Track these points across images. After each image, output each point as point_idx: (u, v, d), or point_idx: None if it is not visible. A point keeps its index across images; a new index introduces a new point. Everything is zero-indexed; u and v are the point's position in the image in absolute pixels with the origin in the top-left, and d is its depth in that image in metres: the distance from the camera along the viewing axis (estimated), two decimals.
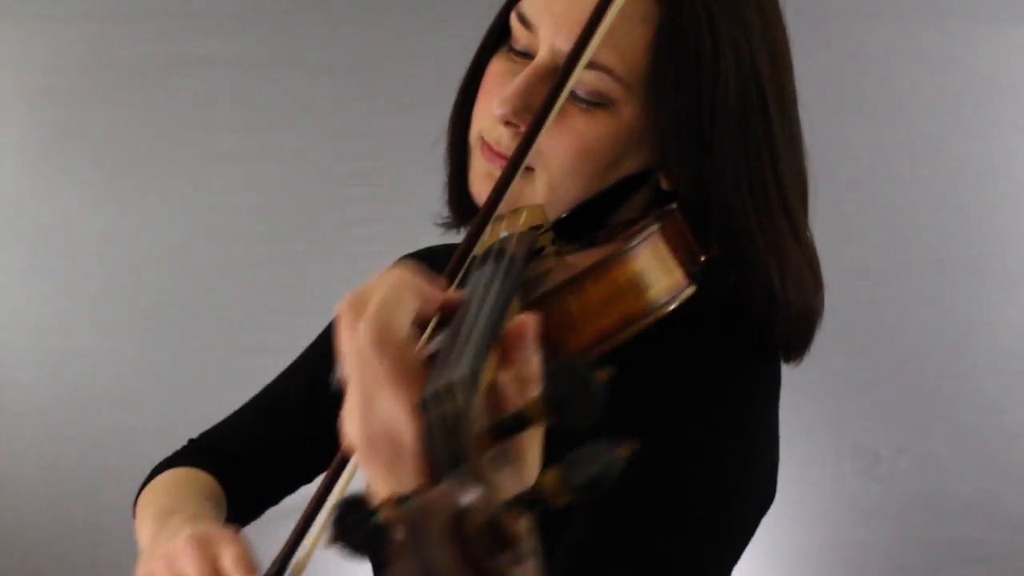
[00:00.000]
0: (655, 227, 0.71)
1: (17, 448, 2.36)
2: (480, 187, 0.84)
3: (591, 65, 0.76)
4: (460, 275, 0.74)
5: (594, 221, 0.82)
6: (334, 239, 2.31)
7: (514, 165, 0.74)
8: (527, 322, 0.54)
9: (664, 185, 0.82)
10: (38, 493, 2.37)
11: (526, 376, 0.53)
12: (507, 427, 0.46)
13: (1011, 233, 2.33)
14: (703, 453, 0.77)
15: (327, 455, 0.75)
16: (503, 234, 0.78)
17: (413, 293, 0.57)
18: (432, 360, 0.53)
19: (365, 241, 2.30)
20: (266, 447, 1.05)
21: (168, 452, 1.09)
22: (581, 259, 0.74)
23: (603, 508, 0.75)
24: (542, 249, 0.79)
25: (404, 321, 0.55)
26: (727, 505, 0.77)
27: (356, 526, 0.41)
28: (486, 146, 0.82)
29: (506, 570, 0.39)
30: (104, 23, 2.27)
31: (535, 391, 0.52)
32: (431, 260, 1.06)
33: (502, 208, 0.78)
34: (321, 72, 2.29)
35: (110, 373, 2.32)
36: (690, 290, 0.70)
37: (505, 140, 0.81)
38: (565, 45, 0.77)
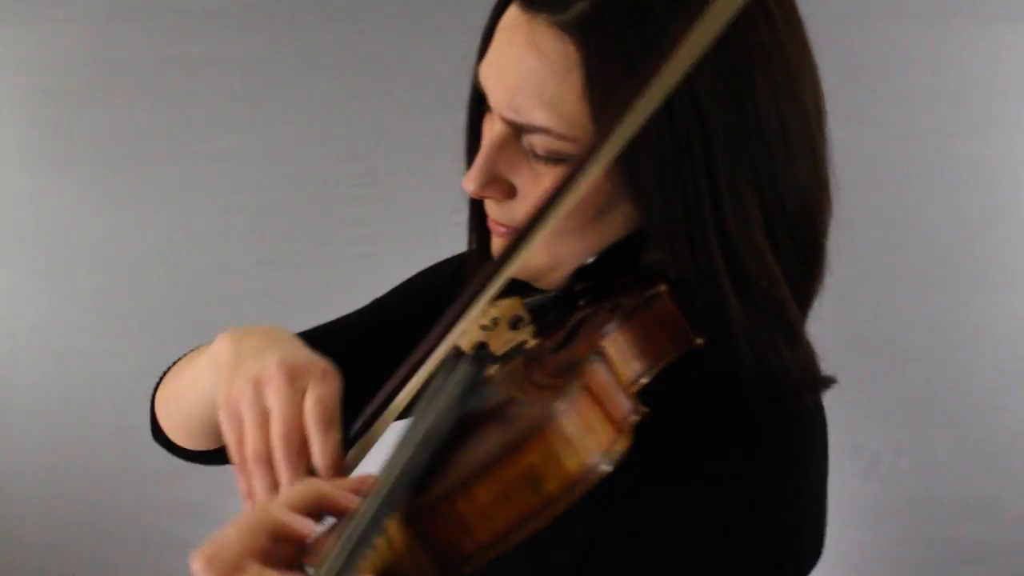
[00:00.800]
0: (573, 385, 0.62)
1: (17, 448, 2.36)
2: (495, 249, 0.83)
3: (529, 128, 0.73)
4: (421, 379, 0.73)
5: (610, 276, 0.79)
6: (334, 239, 2.31)
7: (494, 268, 0.70)
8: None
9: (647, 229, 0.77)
10: (38, 493, 2.37)
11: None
12: None
13: (1011, 233, 2.33)
14: (722, 536, 0.71)
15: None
16: (482, 326, 0.77)
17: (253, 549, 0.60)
18: None
19: (365, 241, 2.30)
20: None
21: (167, 452, 1.09)
22: (531, 391, 0.68)
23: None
24: (521, 345, 0.76)
25: (234, 559, 0.59)
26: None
27: None
28: (490, 218, 0.82)
29: None
30: (104, 23, 2.27)
31: None
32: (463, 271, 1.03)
33: (518, 276, 0.76)
34: (321, 72, 2.29)
35: (110, 373, 2.33)
36: (621, 443, 0.62)
37: (494, 210, 0.80)
38: (504, 112, 0.74)
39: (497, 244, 0.83)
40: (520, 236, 0.68)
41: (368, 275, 2.42)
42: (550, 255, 0.78)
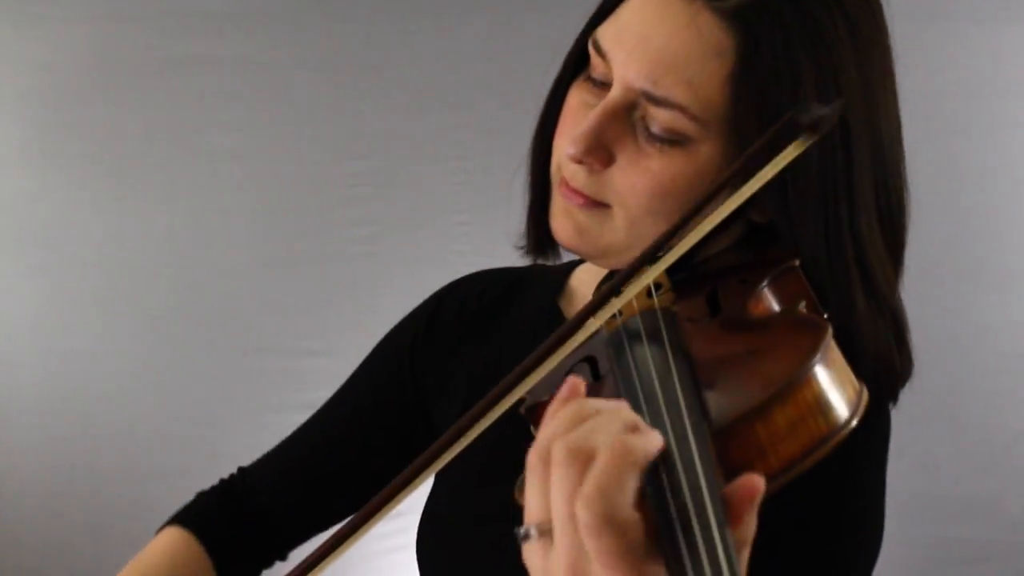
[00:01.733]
0: (828, 329, 0.64)
1: (17, 448, 2.36)
2: (559, 223, 0.82)
3: (663, 102, 0.73)
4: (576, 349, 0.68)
5: (687, 259, 0.79)
6: (334, 239, 2.31)
7: (630, 273, 0.67)
8: (754, 485, 0.51)
9: (755, 217, 0.80)
10: (38, 493, 2.37)
11: (745, 537, 0.51)
12: None
13: (1011, 233, 2.33)
14: (839, 514, 0.77)
15: (359, 499, 0.71)
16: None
17: (638, 466, 0.51)
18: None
19: (365, 241, 2.30)
20: (297, 502, 1.03)
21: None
22: (738, 338, 0.71)
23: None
24: (676, 316, 0.75)
25: (631, 499, 0.49)
26: (859, 562, 0.79)
27: None
28: (564, 182, 0.80)
29: None
30: (104, 23, 2.27)
31: (748, 550, 0.52)
32: (480, 289, 1.03)
33: (584, 251, 0.78)
34: (321, 72, 2.29)
35: (110, 373, 2.32)
36: (867, 396, 0.64)
37: (580, 177, 0.79)
38: (638, 82, 0.74)
39: (564, 216, 0.81)
40: (681, 224, 0.68)
41: (368, 275, 2.43)
42: (629, 233, 0.78)
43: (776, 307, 0.73)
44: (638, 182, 0.75)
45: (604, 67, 0.77)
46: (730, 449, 0.58)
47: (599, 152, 0.77)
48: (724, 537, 0.50)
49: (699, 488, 0.52)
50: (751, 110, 0.73)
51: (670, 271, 0.76)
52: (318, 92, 2.30)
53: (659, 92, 0.73)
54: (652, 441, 0.52)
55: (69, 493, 2.36)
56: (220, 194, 2.31)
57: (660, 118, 0.74)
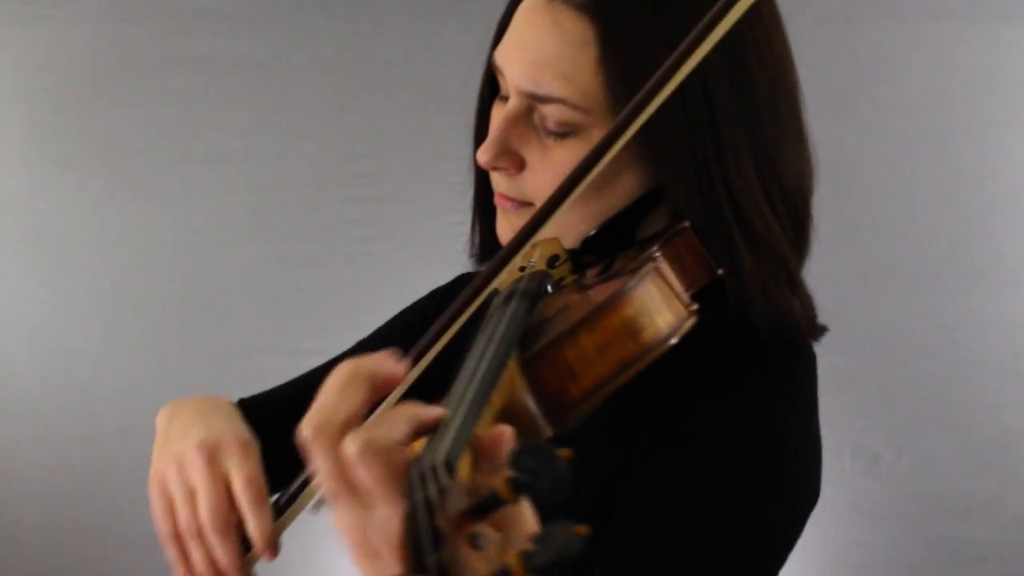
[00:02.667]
0: (651, 265, 0.72)
1: (17, 448, 2.36)
2: (500, 227, 0.90)
3: (546, 99, 0.80)
4: (468, 316, 0.76)
5: (618, 240, 0.85)
6: (334, 239, 2.31)
7: (524, 235, 0.74)
8: (500, 434, 0.55)
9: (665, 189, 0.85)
10: (38, 493, 2.37)
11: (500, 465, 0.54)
12: (481, 508, 0.48)
13: (1011, 233, 2.33)
14: (730, 463, 0.78)
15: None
16: (519, 268, 0.82)
17: (355, 391, 0.58)
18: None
19: (365, 241, 2.30)
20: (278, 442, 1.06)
21: None
22: (592, 291, 0.76)
23: (646, 514, 0.77)
24: (561, 281, 0.82)
25: (392, 432, 0.55)
26: (760, 512, 0.78)
27: None
28: (497, 193, 0.88)
29: None
30: (104, 23, 2.27)
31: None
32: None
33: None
34: (321, 72, 2.29)
35: (110, 373, 2.33)
36: (691, 320, 0.71)
37: (503, 183, 0.86)
38: (523, 85, 0.81)
39: (502, 220, 0.89)
40: (550, 205, 0.74)
41: (368, 275, 2.43)
42: (556, 224, 0.82)
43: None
44: (547, 176, 0.81)
45: (504, 83, 0.85)
46: (543, 373, 0.65)
47: (508, 157, 0.84)
48: (463, 429, 0.55)
49: (453, 422, 0.56)
50: (622, 87, 0.78)
51: (589, 247, 0.85)
52: (318, 92, 2.30)
53: (541, 91, 0.80)
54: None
55: (69, 493, 2.36)
56: (220, 194, 2.31)
57: (550, 114, 0.81)
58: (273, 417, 1.05)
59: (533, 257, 0.83)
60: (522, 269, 0.83)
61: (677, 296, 0.72)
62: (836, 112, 2.21)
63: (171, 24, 2.27)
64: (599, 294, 0.72)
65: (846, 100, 2.20)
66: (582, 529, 0.44)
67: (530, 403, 0.65)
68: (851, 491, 2.33)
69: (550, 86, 0.79)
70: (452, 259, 2.43)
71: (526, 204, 0.85)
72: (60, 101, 2.29)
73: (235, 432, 0.79)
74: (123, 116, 2.29)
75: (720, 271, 0.79)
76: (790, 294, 0.84)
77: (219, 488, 0.75)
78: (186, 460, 0.76)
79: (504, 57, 0.84)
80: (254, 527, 0.74)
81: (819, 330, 0.87)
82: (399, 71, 2.28)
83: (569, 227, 0.85)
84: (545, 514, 0.51)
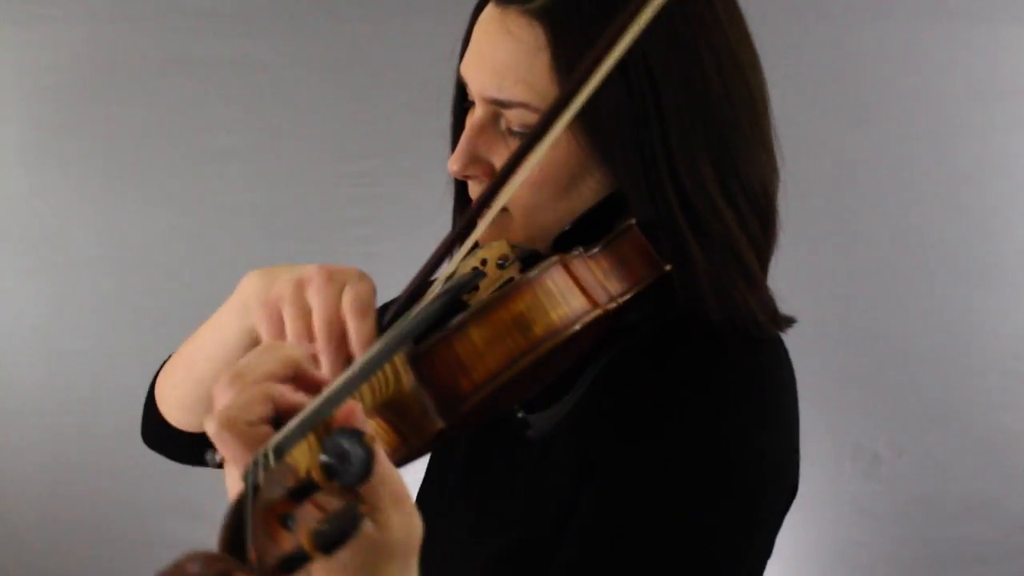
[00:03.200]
0: (553, 259, 0.73)
1: (17, 448, 2.36)
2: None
3: (508, 104, 0.82)
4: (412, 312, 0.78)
5: (583, 241, 0.85)
6: (334, 239, 2.31)
7: (480, 205, 0.76)
8: (349, 409, 0.58)
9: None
10: (38, 493, 2.37)
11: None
12: (298, 491, 0.51)
13: (1011, 233, 2.33)
14: (698, 460, 0.77)
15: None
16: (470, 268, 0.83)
17: (258, 395, 0.61)
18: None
19: (365, 241, 2.30)
20: None
21: (160, 453, 1.09)
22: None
23: (606, 514, 0.78)
24: (511, 279, 0.82)
25: (249, 417, 0.59)
26: (735, 505, 0.78)
27: None
28: (472, 199, 0.90)
29: None
30: (104, 23, 2.27)
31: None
32: None
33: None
34: (321, 72, 2.29)
35: (110, 373, 2.33)
36: (596, 313, 0.72)
37: (476, 190, 0.88)
38: (486, 92, 0.83)
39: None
40: (496, 184, 0.74)
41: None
42: (527, 228, 0.85)
43: (599, 263, 0.79)
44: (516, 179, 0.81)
45: (470, 93, 0.86)
46: (434, 367, 0.67)
47: (478, 164, 0.85)
48: (305, 419, 0.58)
49: (303, 411, 0.59)
50: None
51: (557, 249, 0.84)
52: (318, 92, 2.30)
53: (503, 96, 0.82)
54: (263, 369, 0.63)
55: (69, 493, 2.36)
56: (220, 194, 2.31)
57: (515, 118, 0.82)
58: None
59: (484, 257, 0.83)
60: (474, 271, 0.84)
61: (584, 290, 0.73)
62: (836, 112, 2.21)
63: (171, 24, 2.27)
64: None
65: (846, 100, 2.21)
66: (366, 507, 0.47)
67: (422, 395, 0.66)
68: (851, 491, 2.33)
69: (511, 91, 0.81)
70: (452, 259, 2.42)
71: (501, 210, 0.85)
72: (60, 101, 2.29)
73: (353, 269, 0.82)
74: (123, 116, 2.29)
75: (667, 267, 0.80)
76: (747, 289, 0.83)
77: (335, 304, 0.76)
78: (306, 278, 0.78)
79: (467, 68, 0.86)
80: (355, 336, 0.75)
81: (784, 321, 0.87)
82: (399, 71, 2.28)
83: (542, 229, 0.85)
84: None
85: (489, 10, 0.85)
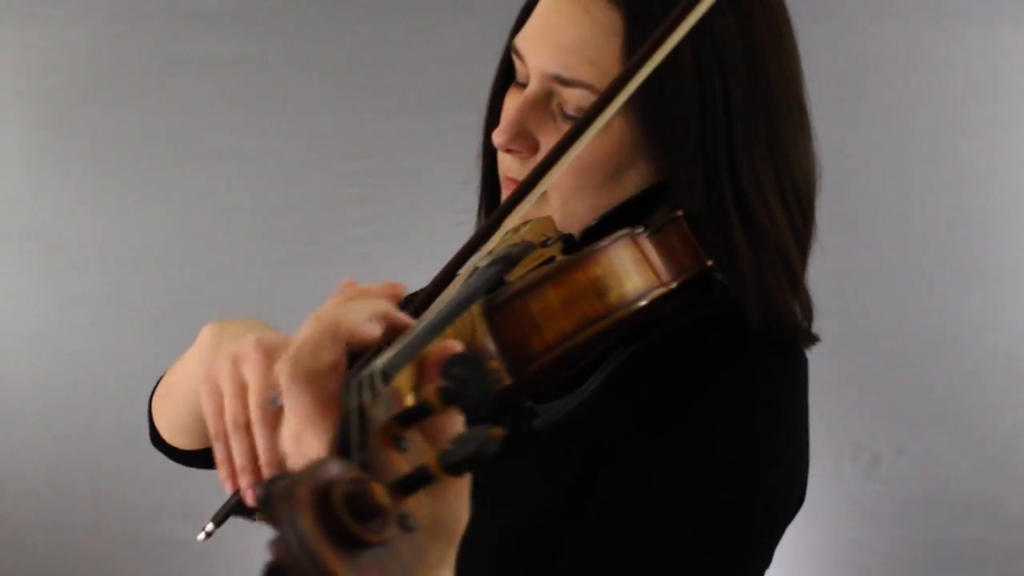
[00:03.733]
0: (626, 231, 0.74)
1: (17, 448, 2.36)
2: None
3: (572, 83, 0.81)
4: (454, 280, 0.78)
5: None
6: (334, 239, 2.31)
7: (526, 187, 0.76)
8: (449, 346, 0.58)
9: (663, 178, 0.85)
10: (38, 493, 2.37)
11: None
12: (410, 415, 0.49)
13: (1011, 233, 2.33)
14: (703, 459, 0.78)
15: None
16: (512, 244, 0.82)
17: (337, 338, 0.60)
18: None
19: (365, 241, 2.30)
20: None
21: (166, 457, 1.10)
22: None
23: (621, 502, 0.78)
24: (550, 258, 0.83)
25: (323, 362, 0.59)
26: (745, 506, 0.78)
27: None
28: (506, 178, 0.88)
29: (372, 536, 0.42)
30: (104, 23, 2.27)
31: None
32: None
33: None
34: (321, 72, 2.29)
35: (110, 373, 2.32)
36: (662, 290, 0.73)
37: (515, 167, 0.87)
38: (550, 67, 0.82)
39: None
40: (545, 164, 0.75)
41: (368, 275, 2.42)
42: (564, 212, 0.85)
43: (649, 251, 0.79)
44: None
45: (523, 68, 0.86)
46: (507, 322, 0.67)
47: (524, 139, 0.85)
48: (407, 348, 0.57)
49: (399, 343, 0.58)
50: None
51: (589, 238, 0.85)
52: (318, 92, 2.30)
53: (568, 74, 0.81)
54: (365, 327, 0.62)
55: (69, 493, 2.36)
56: (220, 194, 2.31)
57: (572, 98, 0.82)
58: None
59: (525, 234, 0.84)
60: (514, 247, 0.84)
61: (651, 267, 0.74)
62: (837, 113, 2.20)
63: (171, 24, 2.27)
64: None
65: (847, 101, 2.20)
66: (497, 432, 0.45)
67: (491, 349, 0.67)
68: (851, 491, 2.33)
69: (578, 70, 0.81)
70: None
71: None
72: (60, 101, 2.29)
73: (291, 337, 0.81)
74: (123, 116, 2.29)
75: (709, 263, 0.79)
76: (790, 292, 0.84)
77: (266, 382, 0.75)
78: (242, 355, 0.76)
79: (528, 42, 0.85)
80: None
81: (811, 338, 0.87)
82: (399, 71, 2.28)
83: (576, 215, 0.85)
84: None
85: None
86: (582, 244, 0.86)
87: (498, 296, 0.69)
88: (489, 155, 0.94)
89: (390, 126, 2.29)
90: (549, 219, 0.85)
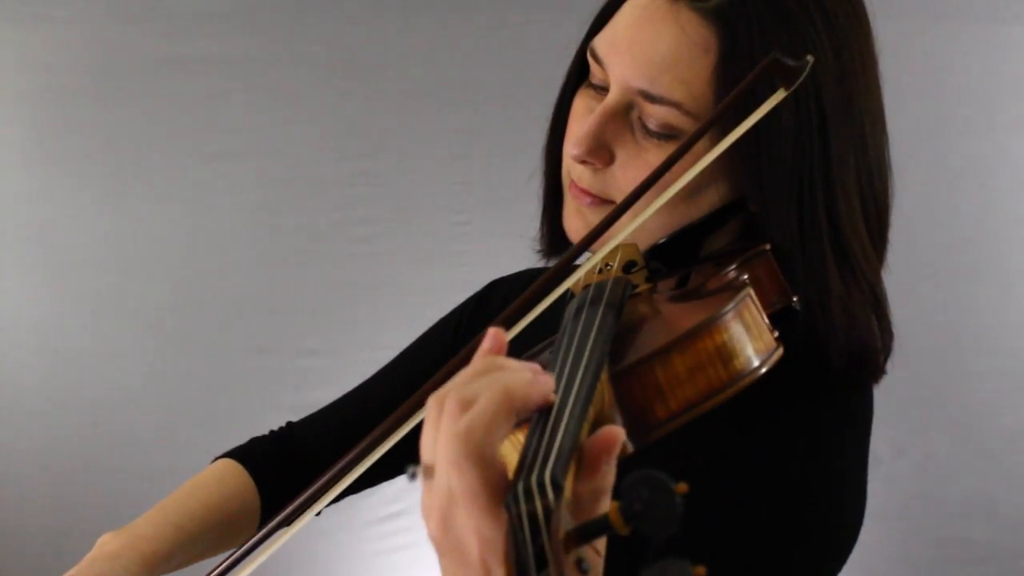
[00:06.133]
0: (744, 292, 0.71)
1: (17, 448, 2.36)
2: (571, 223, 0.87)
3: (659, 100, 0.78)
4: (542, 308, 0.76)
5: (686, 252, 0.84)
6: (334, 239, 2.31)
7: (610, 220, 0.75)
8: (613, 437, 0.54)
9: (753, 207, 0.83)
10: (38, 493, 2.37)
11: (602, 486, 0.54)
12: (589, 531, 0.47)
13: (1010, 233, 2.33)
14: (774, 495, 0.77)
15: (395, 466, 0.73)
16: (598, 269, 0.81)
17: (513, 411, 0.55)
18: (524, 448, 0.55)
19: (365, 241, 2.30)
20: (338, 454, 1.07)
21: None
22: (675, 307, 0.77)
23: (693, 534, 0.76)
24: (635, 287, 0.82)
25: (497, 440, 0.53)
26: (798, 547, 0.78)
27: None
28: (573, 184, 0.85)
29: None
30: (104, 23, 2.27)
31: (608, 498, 0.53)
32: (527, 280, 1.09)
33: (595, 245, 0.80)
34: (321, 71, 2.29)
35: (110, 373, 2.32)
36: (779, 352, 0.70)
37: (586, 177, 0.83)
38: (635, 82, 0.79)
39: (575, 215, 0.86)
40: (633, 197, 0.74)
41: (368, 275, 2.43)
42: (635, 229, 0.82)
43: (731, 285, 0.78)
44: (638, 177, 0.78)
45: (602, 73, 0.82)
46: (632, 389, 0.64)
47: (600, 151, 0.81)
48: (567, 442, 0.53)
49: (558, 431, 0.55)
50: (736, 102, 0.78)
51: (656, 255, 0.83)
52: (318, 92, 2.30)
53: (656, 90, 0.78)
54: (536, 391, 0.56)
55: (69, 493, 2.36)
56: (220, 194, 2.31)
57: (656, 115, 0.78)
58: (331, 436, 1.07)
59: (613, 260, 0.82)
60: (600, 272, 0.82)
61: (767, 324, 0.72)
62: None
63: (171, 24, 2.27)
64: (686, 313, 0.71)
65: None
66: (701, 571, 0.43)
67: (616, 418, 0.64)
68: None
69: (667, 87, 0.78)
70: (452, 258, 2.44)
71: (607, 202, 0.83)
72: (60, 101, 2.29)
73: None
74: (123, 116, 2.29)
75: (795, 299, 0.78)
76: (876, 324, 0.83)
77: None
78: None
79: (612, 49, 0.81)
80: None
81: (882, 373, 0.87)
82: (399, 71, 2.28)
83: (646, 233, 0.82)
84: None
85: None
86: (653, 263, 0.84)
87: (621, 361, 0.66)
88: (553, 157, 0.91)
89: (390, 126, 2.29)
90: (634, 246, 0.83)
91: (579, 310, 0.73)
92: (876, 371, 0.85)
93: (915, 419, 2.34)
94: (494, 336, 0.61)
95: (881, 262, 0.88)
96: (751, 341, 0.68)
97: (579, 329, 0.70)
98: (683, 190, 0.78)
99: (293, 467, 1.07)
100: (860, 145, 0.81)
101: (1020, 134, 2.30)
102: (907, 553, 2.38)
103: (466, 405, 0.54)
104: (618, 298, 0.76)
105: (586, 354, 0.65)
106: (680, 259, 0.84)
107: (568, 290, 0.78)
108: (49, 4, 2.25)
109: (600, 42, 0.82)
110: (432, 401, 0.56)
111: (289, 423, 1.13)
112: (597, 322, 0.70)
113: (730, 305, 0.68)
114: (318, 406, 1.10)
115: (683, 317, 0.72)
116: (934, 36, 2.23)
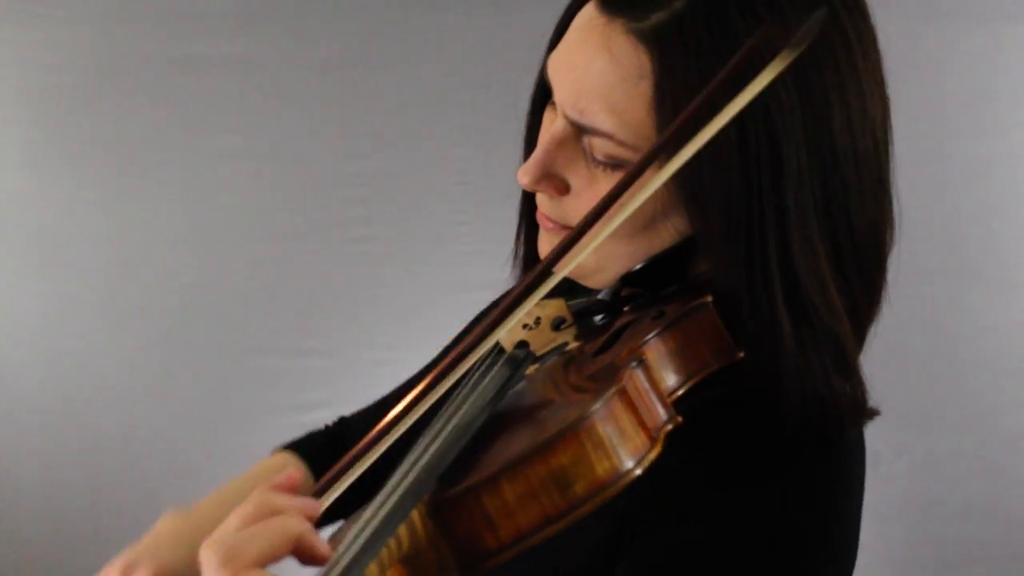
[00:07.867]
0: (614, 388, 0.62)
1: (17, 448, 2.36)
2: (540, 244, 0.83)
3: (591, 131, 0.72)
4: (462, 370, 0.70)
5: (661, 280, 0.79)
6: (333, 239, 2.31)
7: (559, 254, 0.68)
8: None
9: (700, 247, 0.76)
10: (38, 493, 2.37)
11: None
12: None
13: (1011, 233, 2.33)
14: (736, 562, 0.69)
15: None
16: (524, 325, 0.78)
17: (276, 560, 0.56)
18: None
19: (364, 241, 2.30)
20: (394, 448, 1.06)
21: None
22: (572, 389, 0.69)
23: None
24: (564, 346, 0.78)
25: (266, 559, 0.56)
26: None
27: None
28: (540, 212, 0.81)
29: None
30: (104, 23, 2.27)
31: None
32: None
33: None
34: (321, 72, 2.29)
35: (110, 374, 2.32)
36: (654, 453, 0.61)
37: (546, 204, 0.79)
38: (566, 111, 0.74)
39: (544, 238, 0.82)
40: (572, 239, 0.67)
41: (367, 275, 2.43)
42: (597, 256, 0.75)
43: (646, 352, 0.69)
44: (590, 207, 0.70)
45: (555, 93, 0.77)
46: (458, 518, 0.59)
47: (551, 180, 0.77)
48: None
49: (362, 530, 0.56)
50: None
51: (629, 283, 0.77)
52: (318, 92, 2.30)
53: (585, 121, 0.72)
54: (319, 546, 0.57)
55: (69, 493, 2.36)
56: (220, 194, 2.31)
57: (596, 145, 0.73)
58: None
59: (538, 316, 0.78)
60: (526, 327, 0.78)
61: (641, 422, 0.62)
62: None
63: (172, 24, 2.27)
64: (570, 404, 0.64)
65: None
66: None
67: (440, 547, 0.60)
68: None
69: (595, 118, 0.71)
70: (452, 259, 2.44)
71: (567, 228, 0.78)
72: (61, 101, 2.29)
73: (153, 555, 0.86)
74: (123, 116, 2.29)
75: (740, 355, 0.70)
76: (838, 381, 0.72)
77: None
78: (132, 562, 0.80)
79: (554, 72, 0.75)
80: None
81: (869, 414, 0.77)
82: (399, 71, 2.28)
83: (612, 258, 0.77)
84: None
85: (591, 14, 0.73)
86: (624, 290, 0.79)
87: (451, 488, 0.60)
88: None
89: (390, 126, 2.29)
90: (560, 303, 0.79)
91: (466, 388, 0.70)
92: (845, 424, 0.73)
93: (915, 419, 2.34)
94: (289, 479, 0.61)
95: (872, 314, 0.78)
96: (601, 460, 0.60)
97: (441, 421, 0.67)
98: (639, 221, 0.72)
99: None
100: (827, 179, 0.71)
101: (1020, 134, 2.30)
102: (907, 553, 2.38)
103: (232, 559, 0.55)
104: (498, 380, 0.71)
105: (410, 475, 0.62)
106: (655, 284, 0.79)
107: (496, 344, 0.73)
108: (49, 4, 2.25)
109: (550, 62, 0.77)
110: (203, 548, 0.57)
111: (342, 417, 1.11)
112: (444, 437, 0.65)
113: (580, 415, 0.60)
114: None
115: (541, 418, 0.65)
116: (934, 36, 2.23)
